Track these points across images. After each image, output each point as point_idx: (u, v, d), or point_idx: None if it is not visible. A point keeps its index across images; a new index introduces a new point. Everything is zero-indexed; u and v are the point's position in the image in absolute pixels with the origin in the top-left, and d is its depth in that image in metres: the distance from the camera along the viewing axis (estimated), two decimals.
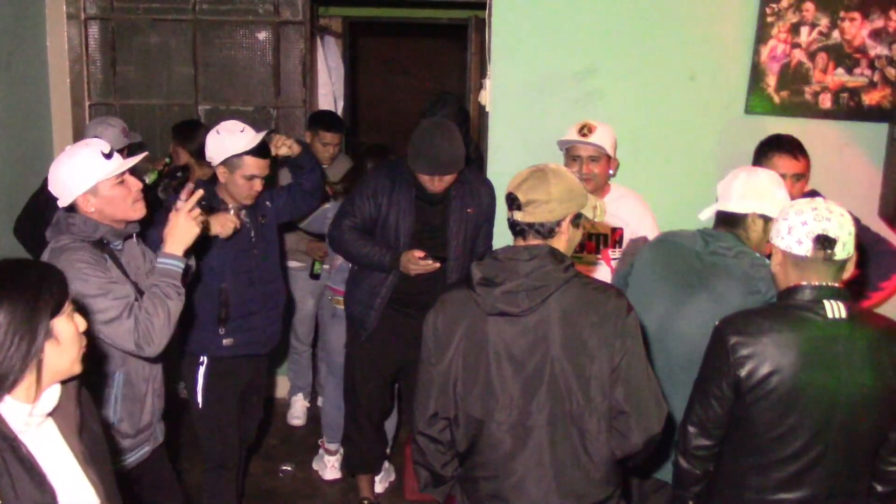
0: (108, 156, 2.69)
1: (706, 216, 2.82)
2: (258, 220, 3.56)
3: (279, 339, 3.78)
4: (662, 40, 3.81)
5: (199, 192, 2.77)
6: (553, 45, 3.84)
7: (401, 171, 3.61)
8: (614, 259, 3.51)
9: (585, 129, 3.46)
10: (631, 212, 3.56)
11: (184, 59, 5.18)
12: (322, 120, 4.83)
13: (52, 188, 2.69)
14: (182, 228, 2.69)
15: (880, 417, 2.19)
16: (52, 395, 1.74)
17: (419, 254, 3.51)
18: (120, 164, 2.70)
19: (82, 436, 1.80)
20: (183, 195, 2.74)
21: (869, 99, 3.78)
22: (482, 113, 4.38)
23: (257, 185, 3.42)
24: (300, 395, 5.13)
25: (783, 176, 3.22)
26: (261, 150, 3.39)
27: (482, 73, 4.36)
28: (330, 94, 5.86)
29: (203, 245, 3.17)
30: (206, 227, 2.98)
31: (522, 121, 3.91)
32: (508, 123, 3.92)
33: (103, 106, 5.17)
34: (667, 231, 3.04)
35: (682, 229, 2.95)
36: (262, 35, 5.17)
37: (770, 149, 3.31)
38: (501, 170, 3.84)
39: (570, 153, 3.52)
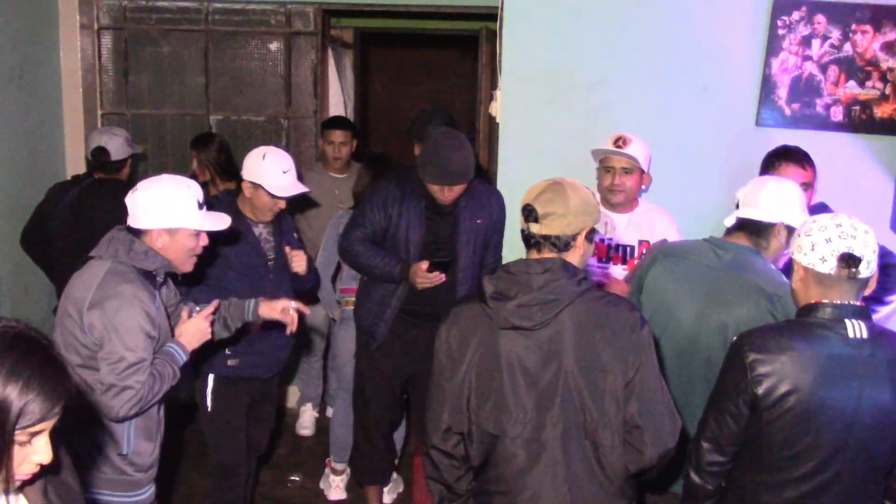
0: (201, 206, 2.70)
1: (730, 222, 2.80)
2: (283, 247, 3.57)
3: (283, 366, 3.79)
4: (673, 52, 3.81)
5: (216, 303, 2.87)
6: (564, 57, 3.84)
7: (411, 181, 3.62)
8: None
9: (620, 141, 3.49)
10: (657, 226, 3.59)
11: (196, 70, 5.21)
12: (328, 122, 4.89)
13: (133, 206, 2.66)
14: (198, 334, 2.76)
15: None
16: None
17: (424, 265, 3.51)
18: (206, 220, 2.72)
19: (47, 496, 1.61)
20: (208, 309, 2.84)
21: (881, 112, 3.77)
22: (493, 124, 4.39)
23: (281, 204, 3.46)
24: (309, 406, 5.13)
25: None
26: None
27: (493, 84, 4.37)
28: (341, 104, 5.88)
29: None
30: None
31: (533, 132, 3.90)
32: (519, 135, 3.92)
33: (115, 115, 5.20)
34: (667, 244, 3.02)
35: (684, 241, 2.93)
36: (274, 46, 5.20)
37: (778, 158, 3.32)
38: (511, 181, 3.84)
39: (604, 164, 3.55)
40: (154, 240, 2.65)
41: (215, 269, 3.39)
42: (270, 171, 3.38)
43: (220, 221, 2.78)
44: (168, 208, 2.63)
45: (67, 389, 1.48)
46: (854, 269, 2.13)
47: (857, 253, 2.13)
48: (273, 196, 3.39)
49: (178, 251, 2.69)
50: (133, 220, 2.66)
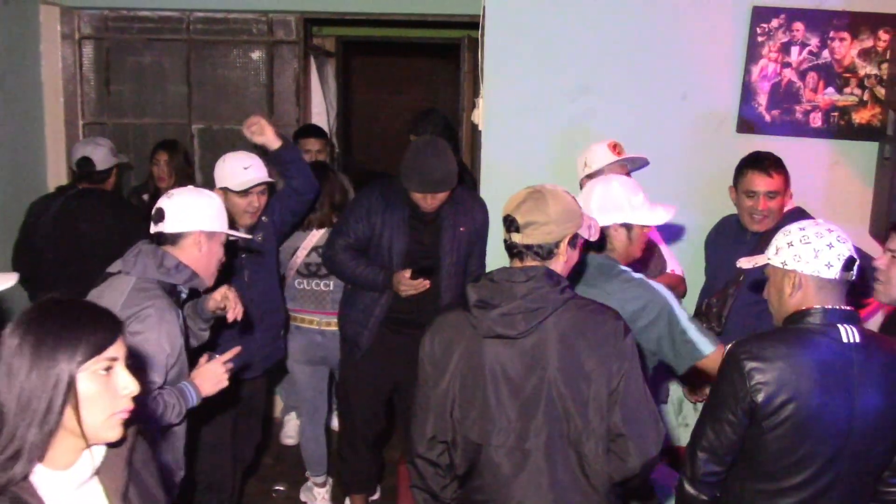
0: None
1: None
2: (254, 240, 3.55)
3: (279, 358, 3.75)
4: (654, 60, 3.83)
5: (237, 350, 2.77)
6: (546, 65, 3.86)
7: (394, 189, 3.62)
8: None
9: (618, 148, 3.52)
10: None
11: (178, 79, 5.20)
12: (301, 130, 4.86)
13: (173, 207, 2.61)
14: (214, 380, 2.67)
15: (891, 442, 2.16)
16: (88, 460, 1.56)
17: (407, 272, 3.51)
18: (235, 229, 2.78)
19: (127, 496, 1.62)
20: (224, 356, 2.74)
21: (859, 118, 3.81)
22: (475, 132, 4.40)
23: (255, 200, 3.44)
24: (293, 415, 5.10)
25: (755, 193, 3.28)
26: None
27: (475, 92, 4.39)
28: (323, 112, 5.88)
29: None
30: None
31: (515, 140, 3.92)
32: (501, 142, 3.94)
33: (97, 125, 5.17)
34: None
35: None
36: (256, 55, 5.19)
37: (745, 166, 3.36)
38: (494, 188, 3.85)
39: (606, 173, 3.51)
40: (190, 245, 2.62)
41: None
42: (231, 171, 3.41)
43: (242, 232, 2.86)
44: (212, 211, 2.66)
45: (115, 322, 1.56)
46: (851, 272, 2.16)
47: (854, 255, 2.16)
48: (238, 193, 3.40)
49: (210, 259, 2.68)
50: (171, 223, 2.61)
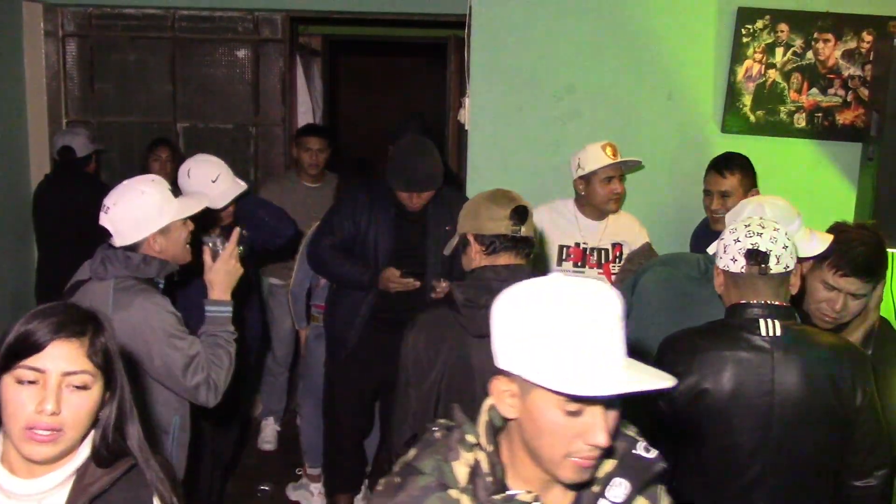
0: (174, 194, 2.63)
1: (713, 250, 2.81)
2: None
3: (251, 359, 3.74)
4: (640, 60, 3.84)
5: (237, 231, 2.71)
6: (532, 65, 3.86)
7: (380, 189, 3.62)
8: (614, 273, 3.58)
9: (611, 150, 3.51)
10: (628, 230, 3.66)
11: (162, 77, 5.18)
12: (304, 129, 4.86)
13: (115, 225, 2.54)
14: (226, 273, 2.61)
15: (824, 437, 2.16)
16: (53, 475, 1.48)
17: (397, 272, 3.51)
18: (188, 205, 2.64)
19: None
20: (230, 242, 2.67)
21: (843, 119, 3.83)
22: (461, 132, 4.40)
23: (226, 217, 3.40)
24: (271, 420, 4.99)
25: (711, 192, 3.35)
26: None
27: (462, 92, 4.38)
28: (309, 112, 5.87)
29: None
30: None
31: (501, 139, 3.92)
32: (487, 142, 3.94)
33: (81, 123, 5.14)
34: (669, 254, 3.05)
35: (685, 253, 2.95)
36: (242, 53, 5.17)
37: (709, 166, 3.42)
38: (480, 188, 3.82)
39: (600, 175, 3.53)
40: (150, 247, 2.56)
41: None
42: (199, 184, 3.29)
43: (198, 202, 2.72)
44: (151, 211, 2.54)
45: (55, 332, 1.45)
46: (763, 265, 2.14)
47: (762, 248, 2.14)
48: (214, 210, 3.29)
49: (175, 246, 2.61)
50: (120, 238, 2.54)
